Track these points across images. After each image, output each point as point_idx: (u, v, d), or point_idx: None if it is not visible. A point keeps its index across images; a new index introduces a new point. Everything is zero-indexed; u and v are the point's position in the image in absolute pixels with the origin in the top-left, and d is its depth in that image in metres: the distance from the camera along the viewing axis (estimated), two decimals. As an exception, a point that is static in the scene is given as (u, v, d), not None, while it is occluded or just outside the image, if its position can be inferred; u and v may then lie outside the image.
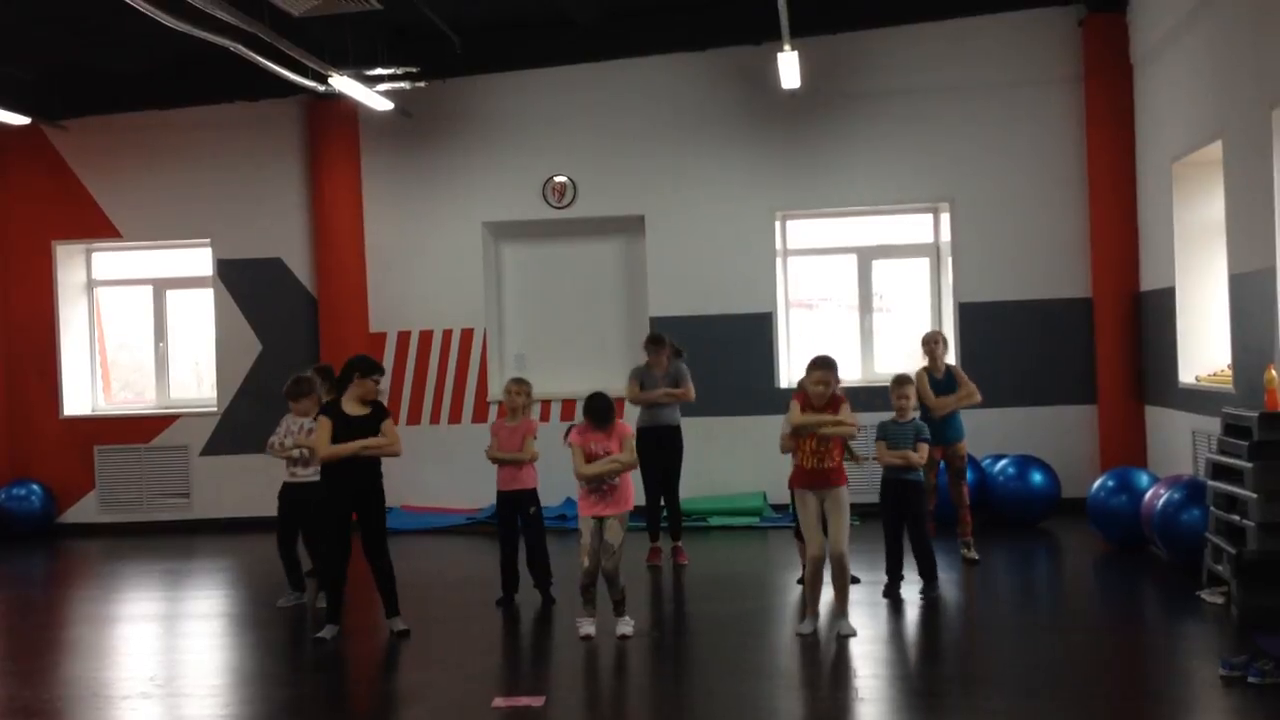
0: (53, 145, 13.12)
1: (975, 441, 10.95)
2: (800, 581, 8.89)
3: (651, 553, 10.01)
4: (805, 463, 7.41)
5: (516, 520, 8.58)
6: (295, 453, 8.71)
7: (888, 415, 8.76)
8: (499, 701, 6.28)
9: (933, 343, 9.82)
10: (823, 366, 7.37)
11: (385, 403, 8.46)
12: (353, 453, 7.65)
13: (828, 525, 7.50)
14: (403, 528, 12.09)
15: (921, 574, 8.48)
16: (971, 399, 9.62)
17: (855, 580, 8.72)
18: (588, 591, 7.63)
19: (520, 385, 8.64)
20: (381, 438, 7.72)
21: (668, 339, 10.08)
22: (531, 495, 8.54)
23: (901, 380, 8.78)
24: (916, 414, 8.83)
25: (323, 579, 8.08)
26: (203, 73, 11.77)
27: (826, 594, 7.63)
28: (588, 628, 7.58)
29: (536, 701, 6.27)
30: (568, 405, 12.36)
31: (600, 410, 7.56)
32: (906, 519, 8.49)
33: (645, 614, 8.19)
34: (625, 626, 7.59)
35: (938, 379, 9.66)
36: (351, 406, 7.77)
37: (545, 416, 12.36)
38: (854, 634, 7.37)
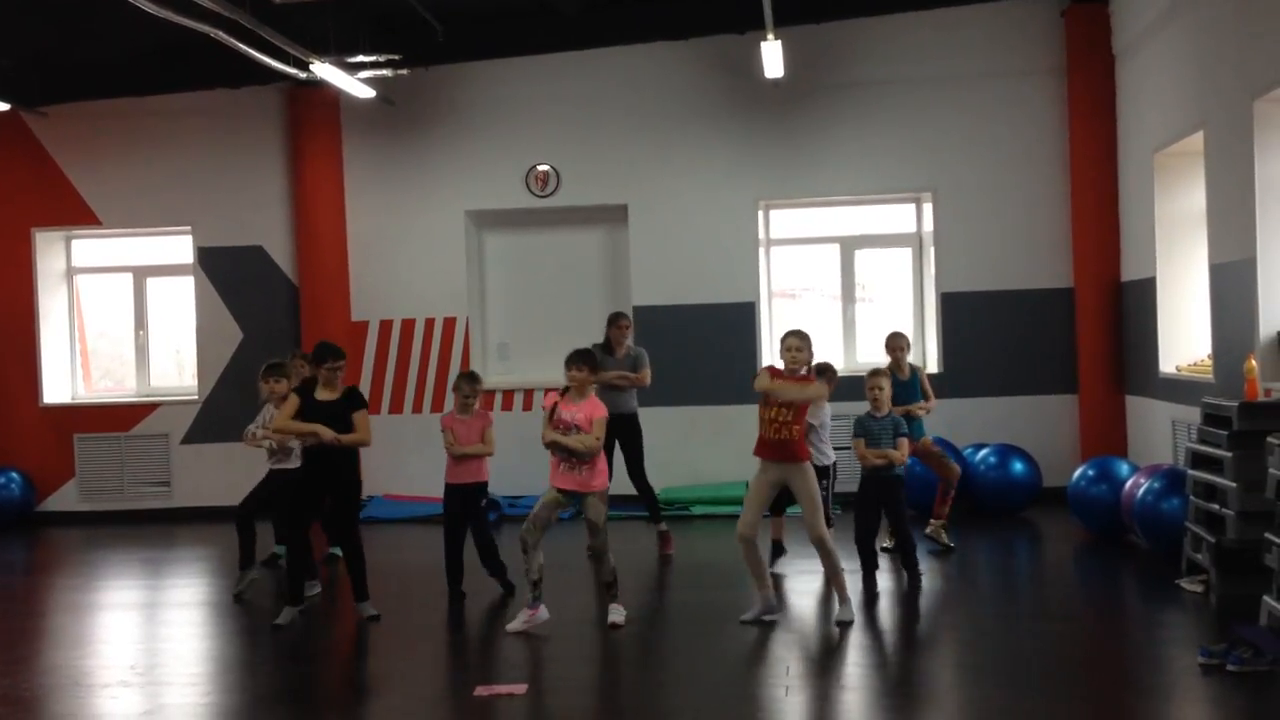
0: (32, 132, 12.99)
1: (956, 431, 11.04)
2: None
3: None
4: (766, 432, 7.43)
5: (463, 514, 8.46)
6: (265, 444, 8.66)
7: (868, 404, 8.75)
8: (480, 690, 6.28)
9: (895, 348, 9.74)
10: (795, 335, 7.50)
11: (356, 386, 8.48)
12: (306, 433, 7.68)
13: (801, 510, 7.54)
14: (385, 516, 12.08)
15: (905, 565, 8.49)
16: (912, 411, 9.49)
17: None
18: (527, 539, 7.47)
19: (474, 386, 8.60)
20: (326, 431, 7.67)
21: (627, 323, 10.04)
22: (483, 488, 8.53)
23: (876, 372, 8.78)
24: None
25: (289, 564, 8.02)
26: (183, 59, 11.65)
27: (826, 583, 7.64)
28: (521, 624, 7.44)
29: (518, 690, 6.28)
30: (550, 394, 12.31)
31: (589, 356, 7.84)
32: (886, 514, 8.49)
33: (627, 602, 8.18)
34: (616, 615, 7.54)
35: (901, 379, 9.54)
36: (321, 392, 7.81)
37: (529, 405, 12.37)
38: (852, 620, 7.41)
